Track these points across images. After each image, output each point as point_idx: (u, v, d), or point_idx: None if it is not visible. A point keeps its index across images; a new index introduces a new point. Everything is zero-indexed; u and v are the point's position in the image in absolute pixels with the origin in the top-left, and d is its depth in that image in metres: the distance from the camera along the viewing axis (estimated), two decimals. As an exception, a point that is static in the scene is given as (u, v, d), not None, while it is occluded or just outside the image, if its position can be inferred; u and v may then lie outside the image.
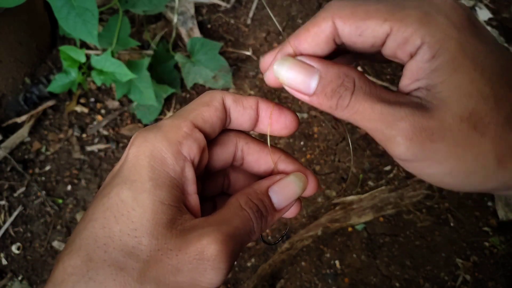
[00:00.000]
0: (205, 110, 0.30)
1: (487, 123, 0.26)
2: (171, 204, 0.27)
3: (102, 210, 0.26)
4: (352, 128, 1.32)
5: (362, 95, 0.27)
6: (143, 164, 0.27)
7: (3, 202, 1.21)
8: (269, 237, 1.16)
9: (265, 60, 0.31)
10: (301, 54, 0.29)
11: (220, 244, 0.25)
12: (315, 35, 0.28)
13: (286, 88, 0.29)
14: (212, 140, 0.32)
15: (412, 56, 0.27)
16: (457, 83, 0.26)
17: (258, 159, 0.34)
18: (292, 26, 1.54)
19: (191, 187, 0.29)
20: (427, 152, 0.26)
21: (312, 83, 0.28)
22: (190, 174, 0.28)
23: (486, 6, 1.60)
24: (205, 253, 0.25)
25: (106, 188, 0.28)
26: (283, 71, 0.28)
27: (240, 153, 0.33)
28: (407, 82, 0.28)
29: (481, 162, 0.26)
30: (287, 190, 0.31)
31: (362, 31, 0.27)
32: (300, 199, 0.34)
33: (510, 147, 0.26)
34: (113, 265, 0.25)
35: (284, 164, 0.34)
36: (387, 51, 0.28)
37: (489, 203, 1.19)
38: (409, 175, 1.24)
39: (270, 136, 0.33)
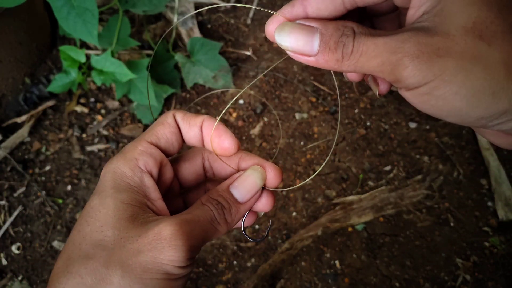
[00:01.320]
0: (159, 129, 0.34)
1: (493, 32, 0.25)
2: (131, 203, 0.31)
3: (79, 219, 0.32)
4: (352, 128, 1.32)
5: (363, 36, 0.27)
6: (107, 179, 0.32)
7: (3, 202, 1.21)
8: (269, 237, 1.16)
9: (269, 28, 0.32)
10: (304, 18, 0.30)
11: (175, 225, 0.29)
12: None
13: (290, 54, 0.30)
14: (181, 157, 0.37)
15: None
16: None
17: (223, 164, 0.37)
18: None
19: (154, 194, 0.33)
20: (435, 70, 0.25)
21: (314, 41, 0.28)
22: (149, 182, 0.32)
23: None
24: (161, 234, 0.29)
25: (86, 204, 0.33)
26: (284, 37, 0.29)
27: (207, 163, 0.37)
28: (412, 11, 0.28)
29: (490, 74, 0.25)
30: (246, 183, 0.34)
31: None
32: (272, 193, 0.36)
33: None
34: (85, 257, 0.29)
35: (245, 162, 0.36)
36: None
37: (489, 203, 1.19)
38: (409, 175, 1.24)
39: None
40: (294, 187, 0.32)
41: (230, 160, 0.37)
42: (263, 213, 0.38)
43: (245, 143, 1.30)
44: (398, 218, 1.18)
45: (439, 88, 0.26)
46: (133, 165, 0.32)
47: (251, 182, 0.34)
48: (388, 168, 1.26)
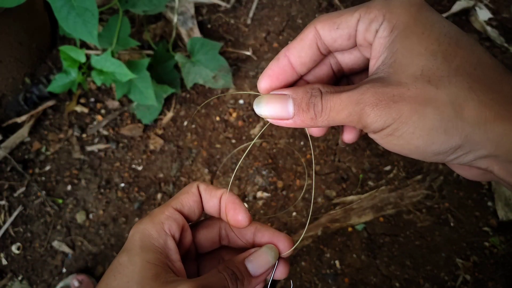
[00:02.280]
0: (183, 197, 0.39)
1: (439, 77, 0.28)
2: (156, 263, 0.34)
3: (107, 273, 0.35)
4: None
5: (329, 94, 0.31)
6: (136, 239, 0.36)
7: (3, 202, 1.21)
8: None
9: (261, 85, 0.36)
10: (273, 89, 0.35)
11: (193, 287, 0.32)
12: (300, 41, 0.34)
13: (271, 120, 0.34)
14: (200, 224, 0.42)
15: (376, 33, 0.31)
16: (408, 47, 0.29)
17: (239, 234, 0.41)
18: (292, 26, 1.54)
19: (175, 256, 0.36)
20: (393, 114, 0.28)
21: (289, 106, 0.32)
22: (172, 245, 0.36)
23: (486, 6, 1.60)
24: None
25: (114, 260, 0.36)
26: (262, 108, 0.33)
27: (224, 232, 0.41)
28: (372, 62, 0.32)
29: (439, 114, 0.28)
30: (260, 260, 0.38)
31: (338, 24, 0.32)
32: (287, 263, 0.40)
33: (464, 97, 0.28)
34: None
35: (261, 234, 0.40)
36: (359, 37, 0.32)
37: (489, 203, 1.19)
38: (409, 175, 1.24)
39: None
40: (296, 244, 0.37)
41: (246, 230, 0.40)
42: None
43: (245, 143, 1.30)
44: (398, 218, 1.18)
45: (398, 130, 0.29)
46: (159, 228, 0.36)
47: (264, 259, 0.38)
48: (388, 168, 1.26)
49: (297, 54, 0.34)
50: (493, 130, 0.28)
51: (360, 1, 1.49)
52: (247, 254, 0.38)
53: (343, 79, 0.39)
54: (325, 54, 0.35)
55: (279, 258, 0.39)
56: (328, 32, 0.33)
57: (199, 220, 0.42)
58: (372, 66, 0.32)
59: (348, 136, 0.38)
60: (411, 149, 0.30)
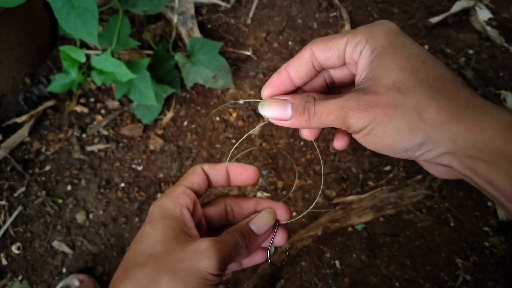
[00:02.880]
0: (192, 177, 0.45)
1: (407, 87, 0.34)
2: (175, 228, 0.40)
3: (133, 241, 0.40)
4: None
5: (321, 101, 0.38)
6: (156, 212, 0.41)
7: (3, 202, 1.21)
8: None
9: (264, 93, 0.43)
10: (275, 95, 0.42)
11: (210, 241, 0.38)
12: (298, 59, 0.41)
13: (272, 120, 0.41)
14: (208, 202, 0.48)
15: (360, 53, 0.38)
16: (384, 64, 0.36)
17: (242, 208, 0.48)
18: (292, 26, 1.54)
19: (190, 223, 0.42)
20: (370, 116, 0.35)
21: (287, 109, 0.39)
22: (187, 214, 0.42)
23: (486, 6, 1.60)
24: (199, 247, 0.37)
25: (138, 231, 0.42)
26: (265, 109, 0.41)
27: (229, 208, 0.48)
28: (357, 77, 0.39)
29: (405, 116, 0.34)
30: (261, 221, 0.45)
31: (330, 46, 0.39)
32: (286, 230, 0.47)
33: (425, 103, 0.34)
34: (139, 265, 0.37)
35: (261, 205, 0.47)
36: (347, 57, 0.39)
37: (489, 203, 1.19)
38: (409, 175, 1.24)
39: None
40: (292, 220, 0.45)
41: (248, 203, 0.47)
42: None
43: (245, 143, 1.30)
44: (398, 218, 1.18)
45: (374, 129, 0.35)
46: (175, 201, 0.42)
47: (265, 220, 0.45)
48: (388, 168, 1.26)
49: (295, 70, 0.41)
50: (449, 130, 0.33)
51: (359, 1, 1.49)
52: (250, 218, 0.45)
53: (335, 89, 0.46)
54: (318, 70, 0.42)
55: (278, 225, 0.46)
56: (322, 52, 0.40)
57: (208, 201, 0.48)
58: (357, 80, 0.39)
59: (339, 143, 0.45)
60: (383, 145, 0.36)
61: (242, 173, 0.47)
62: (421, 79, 0.35)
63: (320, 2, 1.59)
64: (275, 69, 1.42)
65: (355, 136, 0.38)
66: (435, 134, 0.34)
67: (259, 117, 1.34)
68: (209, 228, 0.48)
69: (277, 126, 1.32)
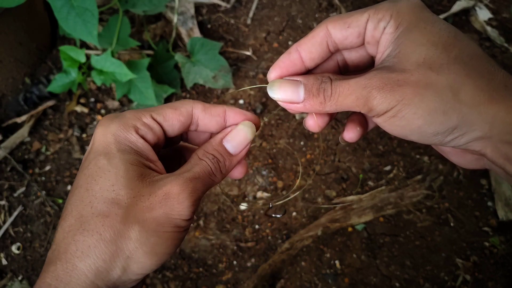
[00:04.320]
0: (169, 112, 0.37)
1: (439, 64, 0.31)
2: (138, 165, 0.34)
3: (85, 178, 0.33)
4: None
5: (339, 80, 0.34)
6: (110, 141, 0.34)
7: (3, 202, 1.21)
8: (269, 237, 1.16)
9: (271, 75, 0.38)
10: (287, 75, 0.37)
11: (181, 185, 0.33)
12: (311, 38, 0.36)
13: (281, 104, 0.36)
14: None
15: (384, 30, 0.34)
16: (412, 39, 0.32)
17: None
18: (292, 26, 1.54)
19: (153, 156, 0.36)
20: (397, 96, 0.31)
21: (300, 91, 0.35)
22: (148, 147, 0.35)
23: (486, 6, 1.60)
24: (170, 193, 0.32)
25: (85, 163, 0.35)
26: (275, 91, 0.36)
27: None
28: (379, 56, 0.35)
29: (439, 96, 0.31)
30: (238, 137, 0.38)
31: (349, 23, 0.35)
32: (245, 162, 0.41)
33: (461, 82, 0.31)
34: (100, 215, 0.31)
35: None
36: (368, 34, 0.35)
37: (489, 203, 1.19)
38: (409, 175, 1.24)
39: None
40: (280, 201, 0.42)
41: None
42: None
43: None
44: (398, 218, 1.18)
45: (402, 111, 0.32)
46: (134, 132, 0.35)
47: (242, 136, 0.38)
48: (388, 168, 1.26)
49: (307, 50, 0.37)
50: (487, 111, 0.30)
51: (359, 1, 1.49)
52: (223, 134, 0.38)
53: (348, 74, 0.41)
54: (333, 51, 0.38)
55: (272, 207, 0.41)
56: (339, 31, 0.36)
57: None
58: (378, 59, 0.35)
59: (350, 135, 0.40)
60: (412, 129, 0.32)
61: (241, 118, 0.39)
62: (454, 55, 0.31)
63: (320, 2, 1.59)
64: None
65: (377, 120, 0.34)
66: (472, 116, 0.30)
67: (259, 117, 1.34)
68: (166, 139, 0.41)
69: (277, 126, 1.32)
